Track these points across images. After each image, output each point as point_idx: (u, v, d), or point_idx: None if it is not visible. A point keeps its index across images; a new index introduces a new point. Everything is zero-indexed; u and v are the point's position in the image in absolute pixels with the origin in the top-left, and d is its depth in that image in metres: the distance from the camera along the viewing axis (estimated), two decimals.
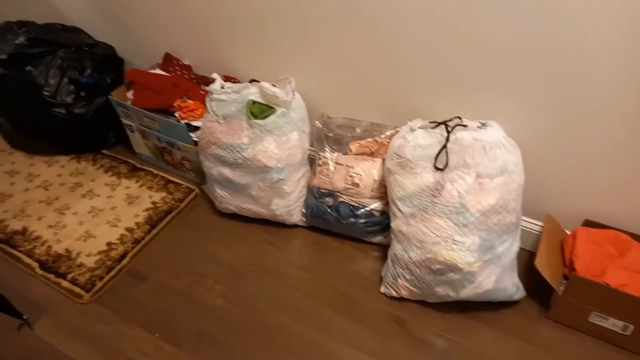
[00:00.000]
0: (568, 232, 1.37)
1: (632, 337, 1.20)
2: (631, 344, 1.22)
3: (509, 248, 1.26)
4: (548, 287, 1.25)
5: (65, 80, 1.79)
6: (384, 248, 1.48)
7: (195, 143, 1.64)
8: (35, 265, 1.55)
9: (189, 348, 1.30)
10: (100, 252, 1.58)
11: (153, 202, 1.75)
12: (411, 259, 1.29)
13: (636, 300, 1.13)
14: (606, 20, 1.00)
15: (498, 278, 1.25)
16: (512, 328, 1.31)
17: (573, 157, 1.25)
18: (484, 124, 1.22)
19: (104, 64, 1.87)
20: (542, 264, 1.24)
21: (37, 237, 1.64)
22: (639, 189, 1.22)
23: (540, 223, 1.43)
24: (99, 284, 1.47)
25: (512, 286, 1.29)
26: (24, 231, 1.67)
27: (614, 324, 1.21)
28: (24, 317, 1.20)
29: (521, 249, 1.33)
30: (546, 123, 1.23)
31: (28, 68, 1.76)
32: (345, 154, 1.51)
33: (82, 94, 1.82)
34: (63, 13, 1.96)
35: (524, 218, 1.41)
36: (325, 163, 1.52)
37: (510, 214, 1.21)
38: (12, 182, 1.87)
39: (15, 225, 1.69)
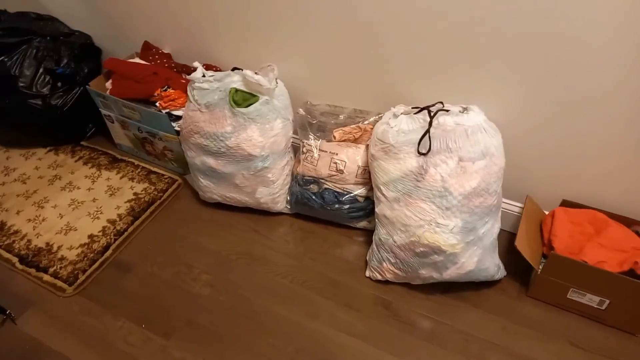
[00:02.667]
0: (547, 213, 1.41)
1: (608, 311, 1.25)
2: (607, 318, 1.27)
3: (490, 229, 1.29)
4: (528, 266, 1.29)
5: (41, 70, 1.75)
6: (369, 233, 1.50)
7: (177, 133, 1.62)
8: (14, 260, 1.52)
9: (177, 337, 1.30)
10: (82, 245, 1.56)
11: (135, 193, 1.73)
12: (395, 242, 1.31)
13: (611, 275, 1.17)
14: (592, 1, 1.02)
15: (480, 259, 1.28)
16: (494, 307, 1.35)
17: (551, 140, 1.28)
18: (465, 109, 1.24)
19: (80, 54, 1.83)
20: (522, 244, 1.27)
21: (16, 232, 1.61)
22: (614, 169, 1.26)
23: (520, 204, 1.47)
24: (82, 277, 1.46)
25: (493, 266, 1.33)
26: (2, 226, 1.64)
27: (590, 300, 1.25)
28: (7, 311, 1.18)
29: (502, 230, 1.36)
30: (526, 106, 1.25)
31: (2, 58, 1.71)
32: (329, 140, 1.52)
33: (59, 84, 1.78)
34: (37, 1, 1.91)
35: (505, 200, 1.44)
36: (309, 150, 1.52)
37: (492, 196, 1.24)
38: None
39: None
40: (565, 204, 1.38)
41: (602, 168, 1.28)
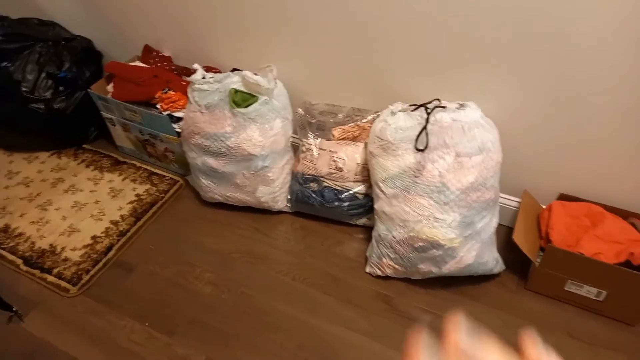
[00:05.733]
0: (544, 207, 1.42)
1: (606, 303, 1.26)
2: (605, 309, 1.29)
3: (488, 224, 1.31)
4: (526, 259, 1.31)
5: (43, 75, 1.77)
6: (368, 230, 1.52)
7: (178, 134, 1.64)
8: (19, 261, 1.54)
9: (180, 335, 1.32)
10: (85, 246, 1.57)
11: (137, 195, 1.75)
12: (395, 238, 1.33)
13: (608, 267, 1.19)
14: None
15: (478, 253, 1.30)
16: (494, 300, 1.36)
17: (548, 135, 1.30)
18: (462, 105, 1.26)
19: (82, 58, 1.85)
20: (520, 238, 1.29)
21: (20, 234, 1.63)
22: (610, 162, 1.27)
23: (517, 199, 1.48)
24: (86, 277, 1.47)
25: (492, 260, 1.34)
26: (6, 228, 1.65)
27: (588, 291, 1.27)
28: (14, 308, 1.20)
29: (500, 224, 1.37)
30: (523, 102, 1.27)
31: (4, 64, 1.73)
32: (328, 139, 1.54)
33: (61, 88, 1.80)
34: (38, 7, 1.93)
35: (502, 195, 1.46)
36: (309, 149, 1.54)
37: (489, 190, 1.26)
38: None
39: None
40: (563, 197, 1.40)
41: (598, 162, 1.29)
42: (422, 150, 1.24)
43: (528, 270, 1.38)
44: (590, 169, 1.32)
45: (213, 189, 1.61)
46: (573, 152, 1.31)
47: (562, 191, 1.40)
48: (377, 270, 1.42)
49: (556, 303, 1.34)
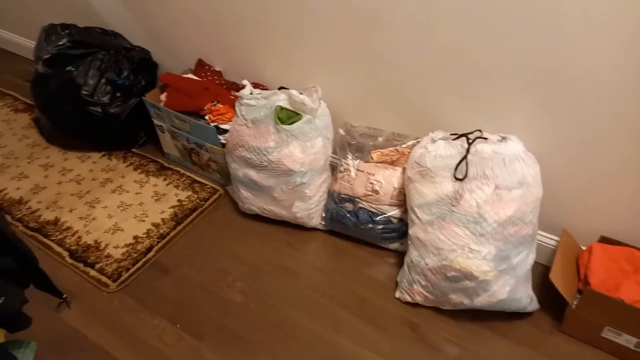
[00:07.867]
0: (583, 248, 1.38)
1: None
2: None
3: (525, 259, 1.28)
4: (562, 300, 1.27)
5: (103, 80, 1.89)
6: (400, 255, 1.52)
7: (223, 145, 1.71)
8: (65, 254, 1.62)
9: (208, 339, 1.35)
10: (127, 245, 1.64)
11: (179, 200, 1.82)
12: (427, 265, 1.32)
13: None
14: (629, 34, 1.03)
15: (512, 288, 1.27)
16: (525, 339, 1.33)
17: (591, 174, 1.28)
18: (504, 138, 1.26)
19: (139, 67, 1.96)
20: (557, 278, 1.26)
21: (68, 228, 1.72)
22: None
23: (556, 238, 1.45)
24: (125, 275, 1.54)
25: (526, 297, 1.32)
26: (55, 221, 1.75)
27: (627, 340, 1.22)
28: (64, 295, 1.27)
29: (536, 262, 1.35)
30: (566, 139, 1.26)
31: (69, 68, 1.86)
32: (367, 161, 1.56)
33: (118, 94, 1.91)
34: (103, 18, 2.08)
35: (541, 232, 1.43)
36: (347, 169, 1.57)
37: (527, 226, 1.24)
38: (47, 175, 1.96)
39: (48, 215, 1.77)
40: (604, 240, 1.36)
41: None
42: (461, 180, 1.24)
43: (563, 312, 1.34)
44: (634, 212, 1.28)
45: (251, 201, 1.66)
46: (617, 194, 1.27)
47: (603, 233, 1.36)
48: (407, 296, 1.41)
49: (590, 349, 1.30)
